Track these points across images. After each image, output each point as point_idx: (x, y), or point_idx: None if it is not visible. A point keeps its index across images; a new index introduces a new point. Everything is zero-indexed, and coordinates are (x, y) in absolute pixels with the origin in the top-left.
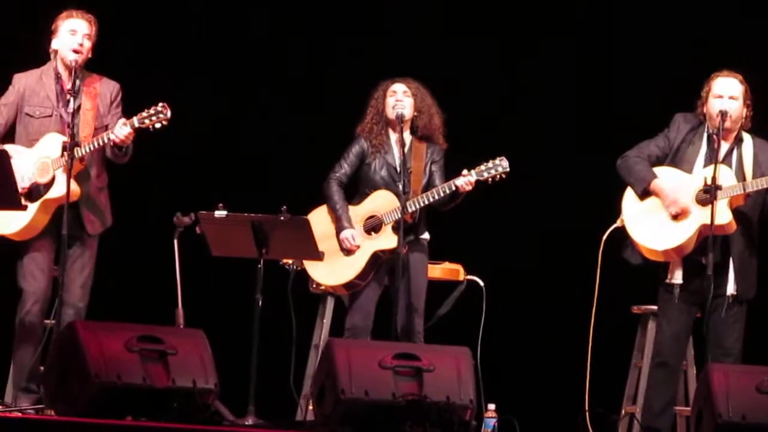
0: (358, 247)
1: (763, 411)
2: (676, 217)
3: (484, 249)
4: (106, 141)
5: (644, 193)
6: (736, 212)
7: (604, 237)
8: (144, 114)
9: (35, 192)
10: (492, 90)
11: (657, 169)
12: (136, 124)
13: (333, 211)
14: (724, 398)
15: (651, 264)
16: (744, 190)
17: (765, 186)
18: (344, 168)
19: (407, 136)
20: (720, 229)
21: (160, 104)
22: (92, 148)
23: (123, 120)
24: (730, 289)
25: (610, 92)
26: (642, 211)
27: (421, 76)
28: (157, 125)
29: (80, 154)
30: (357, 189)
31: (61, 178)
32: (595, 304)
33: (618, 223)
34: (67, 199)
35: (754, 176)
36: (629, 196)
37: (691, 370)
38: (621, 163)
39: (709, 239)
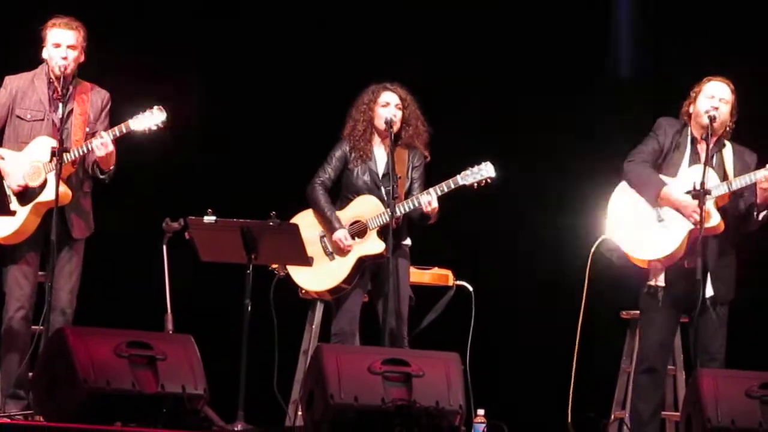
0: (351, 247)
1: (752, 416)
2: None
3: (473, 254)
4: (88, 149)
5: (654, 200)
6: (720, 211)
7: (595, 245)
8: (140, 116)
9: (27, 195)
10: (488, 93)
11: None
12: (132, 127)
13: (322, 215)
14: (713, 403)
15: (633, 264)
16: (729, 188)
17: (749, 182)
18: (328, 172)
19: (388, 143)
20: (710, 230)
21: (156, 107)
22: (80, 154)
23: (104, 133)
24: (709, 291)
25: (601, 91)
26: (630, 222)
27: (409, 80)
28: (153, 128)
29: (71, 158)
30: (338, 194)
31: (52, 182)
32: (582, 311)
33: (606, 234)
34: (56, 202)
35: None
36: (616, 202)
37: (680, 375)
38: (628, 167)
39: (698, 243)
